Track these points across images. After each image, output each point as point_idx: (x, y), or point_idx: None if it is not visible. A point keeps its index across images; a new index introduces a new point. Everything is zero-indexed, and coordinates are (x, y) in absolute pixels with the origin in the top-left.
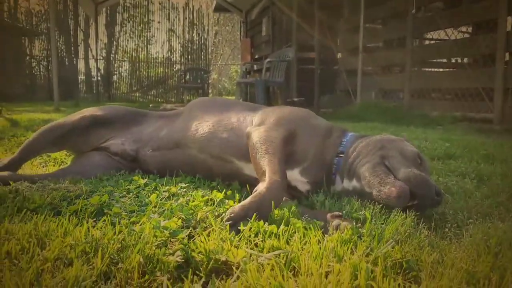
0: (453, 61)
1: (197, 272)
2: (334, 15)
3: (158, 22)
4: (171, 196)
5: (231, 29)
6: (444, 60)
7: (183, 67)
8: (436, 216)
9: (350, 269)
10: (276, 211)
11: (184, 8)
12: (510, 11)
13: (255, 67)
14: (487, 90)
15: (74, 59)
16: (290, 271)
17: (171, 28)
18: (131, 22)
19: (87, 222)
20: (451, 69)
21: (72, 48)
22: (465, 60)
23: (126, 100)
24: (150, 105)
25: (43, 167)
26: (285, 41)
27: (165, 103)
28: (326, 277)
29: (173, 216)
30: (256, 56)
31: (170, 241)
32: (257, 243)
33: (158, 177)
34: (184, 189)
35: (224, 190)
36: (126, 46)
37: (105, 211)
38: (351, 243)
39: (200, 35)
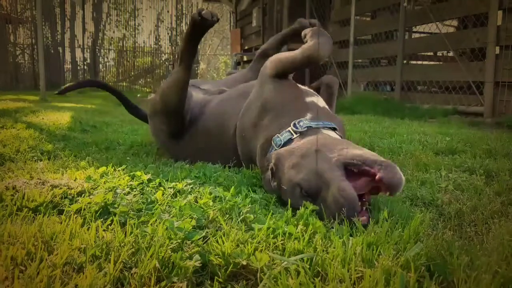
0: (441, 53)
1: (215, 277)
2: (325, 7)
3: (146, 10)
4: (177, 193)
5: (220, 19)
6: (435, 53)
7: (171, 57)
8: (453, 213)
9: (382, 275)
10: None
11: None
12: (500, 5)
13: (245, 58)
14: (477, 84)
15: (60, 47)
16: (317, 277)
17: (159, 18)
18: (117, 10)
19: (94, 222)
20: (441, 62)
21: (59, 37)
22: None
23: None
24: (138, 95)
25: (35, 161)
26: (276, 32)
27: (153, 92)
28: (355, 283)
29: (185, 216)
30: (246, 47)
31: (186, 243)
32: (277, 245)
33: (161, 172)
34: (191, 186)
35: (232, 187)
36: (113, 34)
37: (110, 209)
38: (379, 246)
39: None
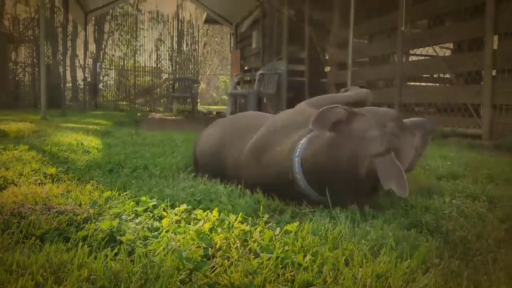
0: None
1: None
2: (323, 29)
3: (147, 31)
4: (183, 219)
5: (220, 41)
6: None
7: (171, 76)
8: (458, 241)
9: None
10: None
11: (173, 18)
12: (496, 30)
13: (245, 78)
14: (475, 106)
15: (61, 66)
16: None
17: (159, 38)
18: (119, 30)
19: (101, 251)
20: (437, 84)
21: (60, 56)
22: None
23: (112, 108)
24: (138, 114)
25: (39, 184)
26: (275, 54)
27: (153, 112)
28: None
29: (192, 244)
30: (246, 68)
31: (194, 274)
32: (286, 276)
33: (166, 197)
34: (195, 211)
35: (240, 213)
36: (113, 54)
37: (117, 237)
38: (389, 278)
39: (189, 45)
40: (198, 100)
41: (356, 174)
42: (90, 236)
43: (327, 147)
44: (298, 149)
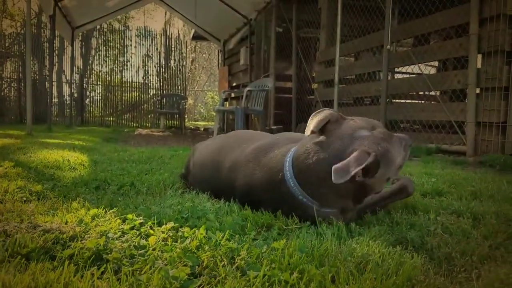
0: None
1: None
2: (310, 47)
3: (135, 47)
4: (169, 237)
5: (207, 57)
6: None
7: (159, 92)
8: (442, 257)
9: None
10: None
11: (161, 34)
12: (479, 49)
13: (232, 94)
14: (459, 123)
15: (48, 82)
16: None
17: (147, 54)
18: (106, 46)
19: (87, 269)
20: (422, 101)
21: (47, 71)
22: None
23: (99, 124)
24: (125, 130)
25: (25, 202)
26: (263, 71)
27: (139, 128)
28: None
29: (179, 263)
30: (234, 84)
31: None
32: None
33: (153, 214)
34: (182, 229)
35: (227, 231)
36: (100, 70)
37: (103, 256)
38: None
39: (177, 61)
40: (186, 116)
41: None
42: (76, 255)
43: (317, 148)
44: (291, 152)
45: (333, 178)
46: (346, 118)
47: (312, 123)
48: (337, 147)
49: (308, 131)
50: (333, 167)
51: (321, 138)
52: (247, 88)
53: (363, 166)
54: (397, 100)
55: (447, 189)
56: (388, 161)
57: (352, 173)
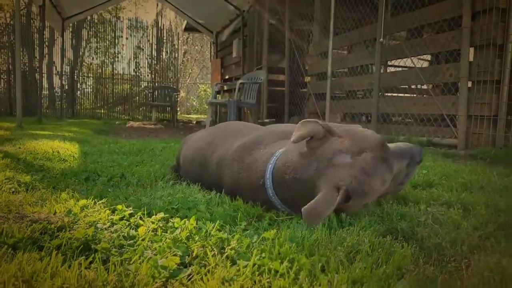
0: (417, 86)
1: None
2: (304, 40)
3: (126, 39)
4: (159, 228)
5: (200, 49)
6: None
7: (150, 84)
8: (432, 247)
9: None
10: (278, 246)
11: (153, 26)
12: (472, 42)
13: (225, 87)
14: (451, 116)
15: (38, 73)
16: None
17: (138, 45)
18: (97, 38)
19: (75, 259)
20: (414, 95)
21: (37, 63)
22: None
23: (90, 116)
24: (117, 122)
25: (13, 192)
26: (255, 63)
27: (131, 120)
28: None
29: (168, 252)
30: (226, 77)
31: (170, 282)
32: (263, 283)
33: (143, 205)
34: (172, 219)
35: (217, 221)
36: (91, 62)
37: (92, 246)
38: (364, 284)
39: (169, 53)
40: (178, 109)
41: (312, 198)
42: (65, 245)
43: (296, 164)
44: (274, 157)
45: (305, 221)
46: (334, 134)
47: (296, 134)
48: (311, 172)
49: (292, 138)
50: (303, 210)
51: (304, 151)
52: (240, 81)
53: (334, 207)
54: (389, 94)
55: (438, 180)
56: (364, 194)
57: (323, 217)
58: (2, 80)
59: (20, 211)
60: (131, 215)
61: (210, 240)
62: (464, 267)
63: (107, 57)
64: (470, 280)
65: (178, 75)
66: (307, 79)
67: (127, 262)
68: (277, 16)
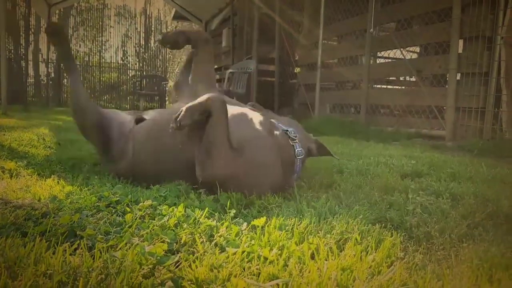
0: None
1: None
2: (294, 30)
3: (111, 27)
4: (147, 215)
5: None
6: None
7: (138, 73)
8: (421, 236)
9: None
10: (267, 233)
11: (141, 13)
12: (461, 34)
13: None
14: (439, 108)
15: (23, 61)
16: None
17: (126, 34)
18: (84, 25)
19: (60, 246)
20: (403, 87)
21: (22, 50)
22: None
23: None
24: None
25: None
26: (245, 53)
27: (118, 109)
28: None
29: (156, 239)
30: (216, 66)
31: (157, 268)
32: (252, 270)
33: (130, 193)
34: (160, 207)
35: (206, 208)
36: (78, 50)
37: (77, 232)
38: (354, 271)
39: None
40: (166, 98)
41: None
42: (49, 231)
43: None
44: None
45: None
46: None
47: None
48: None
49: None
50: None
51: None
52: (229, 70)
53: None
54: (378, 86)
55: (427, 171)
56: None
57: None
58: None
59: (4, 197)
60: (117, 202)
61: (199, 227)
62: (453, 255)
63: (94, 45)
64: (459, 268)
65: (167, 64)
66: (297, 70)
67: (113, 248)
68: (268, 5)
